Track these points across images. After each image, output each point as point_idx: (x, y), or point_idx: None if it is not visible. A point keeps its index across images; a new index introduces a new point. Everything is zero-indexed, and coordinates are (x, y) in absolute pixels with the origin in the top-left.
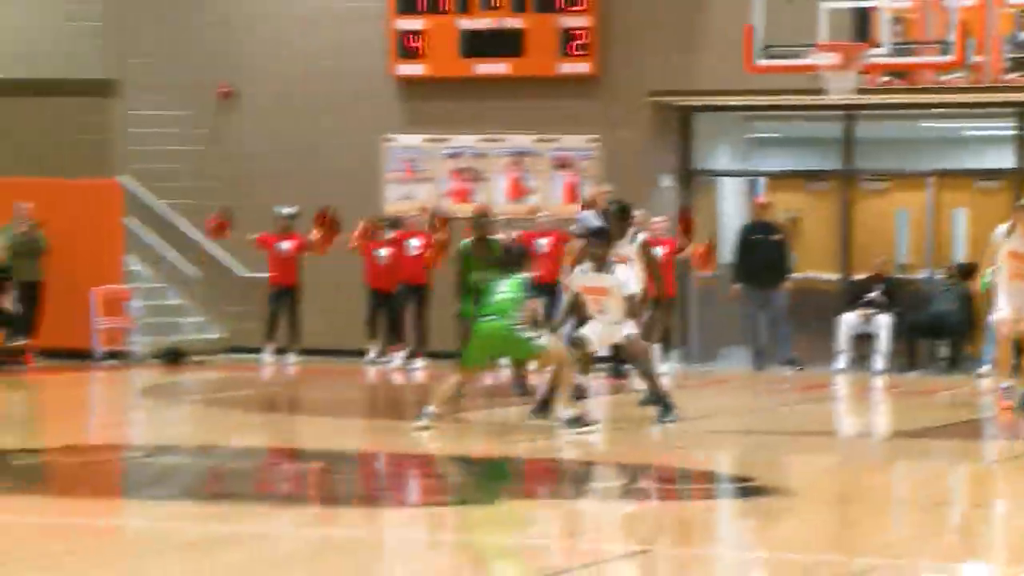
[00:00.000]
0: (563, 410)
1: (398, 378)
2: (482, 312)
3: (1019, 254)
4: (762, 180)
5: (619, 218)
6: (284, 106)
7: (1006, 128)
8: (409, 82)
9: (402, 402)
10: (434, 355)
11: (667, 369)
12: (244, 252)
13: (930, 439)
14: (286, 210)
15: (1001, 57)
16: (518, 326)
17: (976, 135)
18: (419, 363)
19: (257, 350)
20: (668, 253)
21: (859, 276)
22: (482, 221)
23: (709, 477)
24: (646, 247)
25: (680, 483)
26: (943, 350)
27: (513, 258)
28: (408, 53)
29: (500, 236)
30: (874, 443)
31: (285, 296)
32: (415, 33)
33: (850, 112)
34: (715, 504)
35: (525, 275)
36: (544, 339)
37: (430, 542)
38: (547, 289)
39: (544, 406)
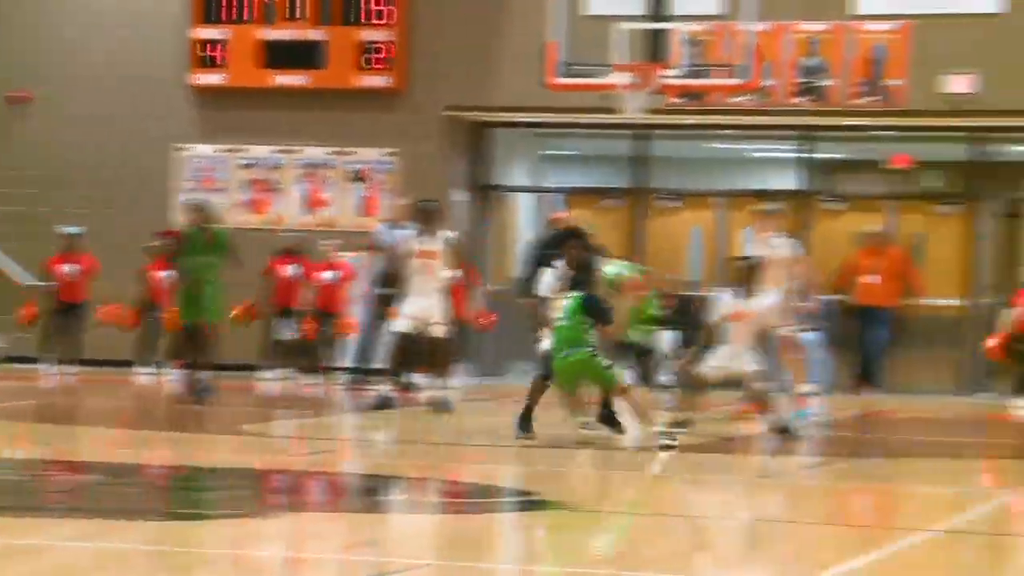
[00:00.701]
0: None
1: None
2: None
3: None
4: (560, 196)
5: (432, 217)
6: (77, 114)
7: (790, 151)
8: (206, 91)
9: (177, 413)
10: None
11: (457, 384)
12: (27, 260)
13: (710, 453)
14: (70, 229)
15: (792, 81)
16: (594, 354)
17: (763, 156)
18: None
19: (36, 360)
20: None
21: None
22: (204, 209)
23: (493, 491)
24: (456, 244)
25: (463, 497)
26: None
27: (581, 273)
28: (207, 62)
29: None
30: (657, 457)
31: (71, 312)
32: (215, 42)
33: (644, 131)
34: (497, 518)
35: (584, 294)
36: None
37: (203, 555)
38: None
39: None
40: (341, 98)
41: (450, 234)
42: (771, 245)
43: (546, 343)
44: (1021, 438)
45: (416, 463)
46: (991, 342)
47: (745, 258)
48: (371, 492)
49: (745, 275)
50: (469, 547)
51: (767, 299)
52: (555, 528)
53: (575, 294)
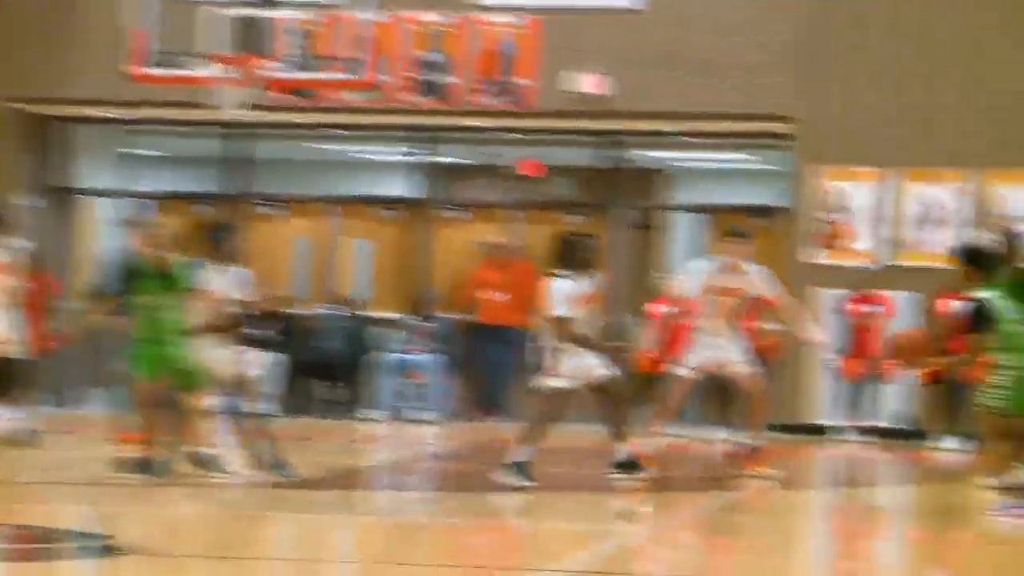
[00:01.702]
0: None
1: None
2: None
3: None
4: (148, 201)
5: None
6: None
7: (409, 154)
8: None
9: None
10: None
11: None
12: None
13: (312, 489)
14: None
15: (412, 79)
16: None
17: (383, 160)
18: None
19: None
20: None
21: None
22: None
23: (61, 535)
24: (26, 255)
25: (27, 542)
26: (335, 392)
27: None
28: None
29: None
30: (252, 493)
31: None
32: None
33: (246, 130)
34: (62, 566)
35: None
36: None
37: None
38: None
39: None
40: None
41: (18, 243)
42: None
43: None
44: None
45: None
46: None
47: None
48: None
49: None
50: None
51: None
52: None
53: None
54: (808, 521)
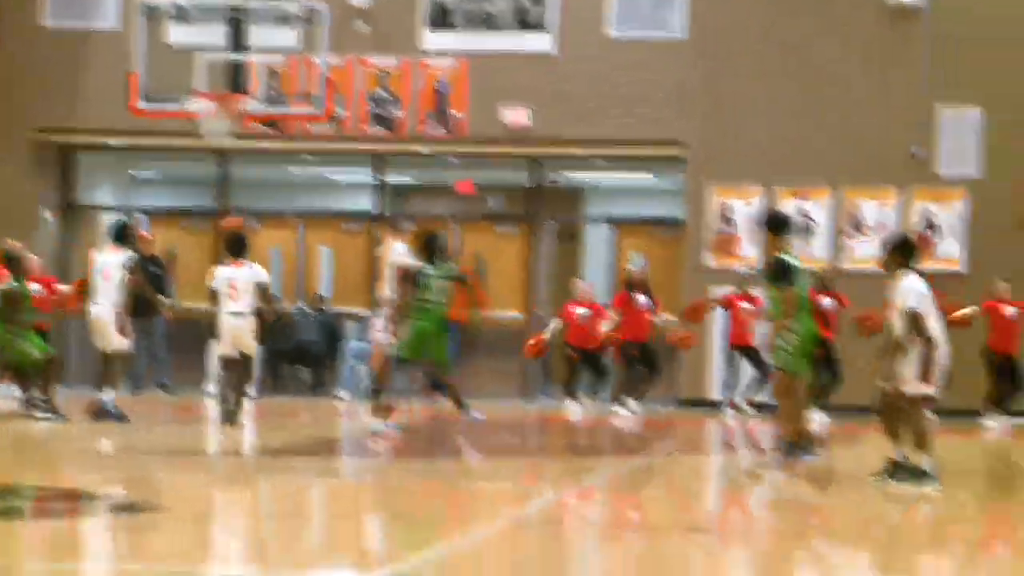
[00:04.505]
0: None
1: None
2: None
3: None
4: (144, 216)
5: None
6: None
7: (366, 175)
8: None
9: None
10: None
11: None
12: None
13: (292, 457)
14: None
15: (364, 111)
16: None
17: (340, 180)
18: None
19: None
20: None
21: None
22: None
23: (81, 495)
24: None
25: (52, 502)
26: (306, 375)
27: None
28: None
29: None
30: (240, 461)
31: None
32: None
33: (226, 155)
34: (86, 521)
35: None
36: None
37: None
38: None
39: None
40: None
41: None
42: None
43: None
44: (572, 437)
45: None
46: (529, 342)
47: None
48: None
49: None
50: (59, 548)
51: None
52: (144, 529)
53: None
54: None
